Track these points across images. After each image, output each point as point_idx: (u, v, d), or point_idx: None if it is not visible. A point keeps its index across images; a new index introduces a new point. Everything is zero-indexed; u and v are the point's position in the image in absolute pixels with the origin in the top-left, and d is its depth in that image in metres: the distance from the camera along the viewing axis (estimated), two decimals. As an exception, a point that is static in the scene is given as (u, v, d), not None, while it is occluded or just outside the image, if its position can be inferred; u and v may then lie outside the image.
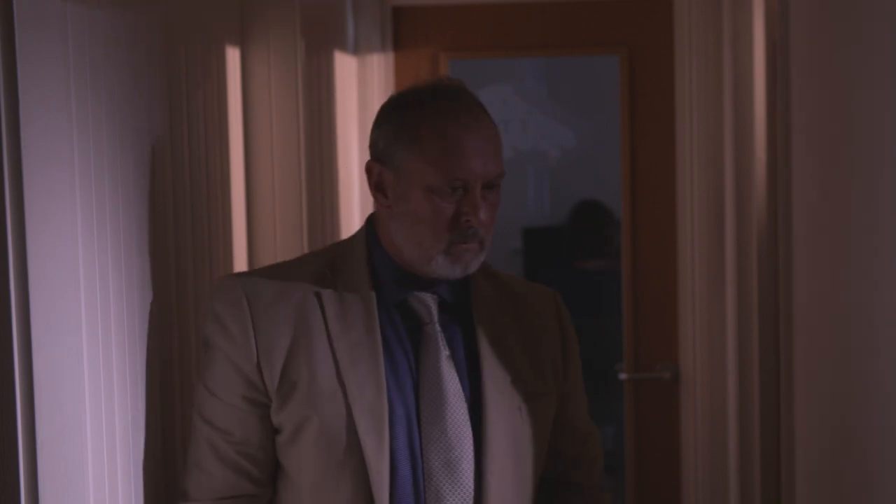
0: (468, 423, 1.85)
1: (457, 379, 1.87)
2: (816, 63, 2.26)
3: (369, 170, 1.89)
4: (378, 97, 3.69)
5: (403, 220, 1.84)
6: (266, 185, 2.90)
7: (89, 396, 1.72)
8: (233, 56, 2.76)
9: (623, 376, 3.73)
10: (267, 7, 2.86)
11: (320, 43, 3.27)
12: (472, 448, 1.85)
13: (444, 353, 1.87)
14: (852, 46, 2.16)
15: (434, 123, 1.82)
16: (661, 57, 3.68)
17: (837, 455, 2.23)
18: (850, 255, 2.20)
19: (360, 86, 3.68)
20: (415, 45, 3.76)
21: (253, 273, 1.94)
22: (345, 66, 3.55)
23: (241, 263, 2.81)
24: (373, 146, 1.90)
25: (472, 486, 1.84)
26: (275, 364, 1.84)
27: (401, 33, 3.75)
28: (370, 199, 3.71)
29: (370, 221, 1.96)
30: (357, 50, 3.67)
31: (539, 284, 2.10)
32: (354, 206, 3.63)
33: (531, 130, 4.28)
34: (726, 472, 3.49)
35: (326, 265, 1.91)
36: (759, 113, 3.27)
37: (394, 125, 1.86)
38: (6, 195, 1.46)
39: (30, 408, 1.50)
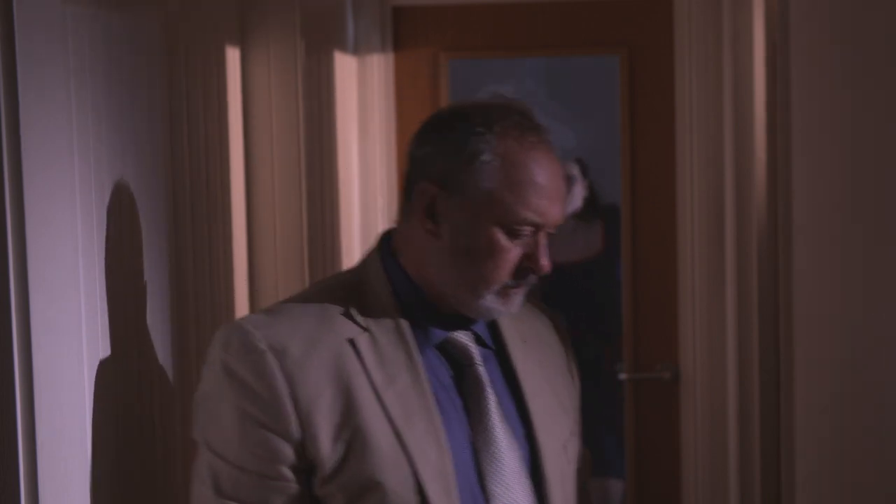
0: (526, 475, 1.68)
1: (507, 426, 1.68)
2: (817, 63, 2.26)
3: (422, 192, 1.65)
4: (378, 97, 3.69)
5: (456, 253, 1.63)
6: (266, 186, 2.90)
7: (89, 397, 1.72)
8: (233, 56, 2.76)
9: (623, 376, 3.73)
10: (267, 7, 2.86)
11: (320, 43, 3.27)
12: (533, 501, 1.68)
13: (493, 398, 1.68)
14: (852, 46, 2.16)
15: (519, 157, 1.62)
16: (661, 57, 3.68)
17: (837, 455, 2.23)
18: (850, 255, 2.20)
19: (360, 86, 3.68)
20: (415, 45, 3.76)
21: (265, 318, 1.64)
22: (345, 67, 3.55)
23: (240, 263, 2.81)
24: (423, 162, 1.67)
25: None
26: (318, 427, 1.56)
27: (401, 33, 3.75)
28: (370, 200, 3.73)
29: (386, 243, 1.74)
30: (357, 50, 3.67)
31: (541, 306, 1.94)
32: (354, 206, 3.63)
33: (531, 130, 4.27)
34: (726, 472, 3.49)
35: (347, 301, 1.66)
36: (759, 113, 3.27)
37: (460, 146, 1.63)
38: (6, 196, 1.46)
39: (30, 409, 1.50)
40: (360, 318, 1.64)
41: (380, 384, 1.60)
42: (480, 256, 1.62)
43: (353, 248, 3.60)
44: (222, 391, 1.61)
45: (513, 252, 1.63)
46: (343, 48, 3.55)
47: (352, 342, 1.61)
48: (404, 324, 1.65)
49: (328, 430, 1.57)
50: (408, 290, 1.68)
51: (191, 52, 2.38)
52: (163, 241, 2.16)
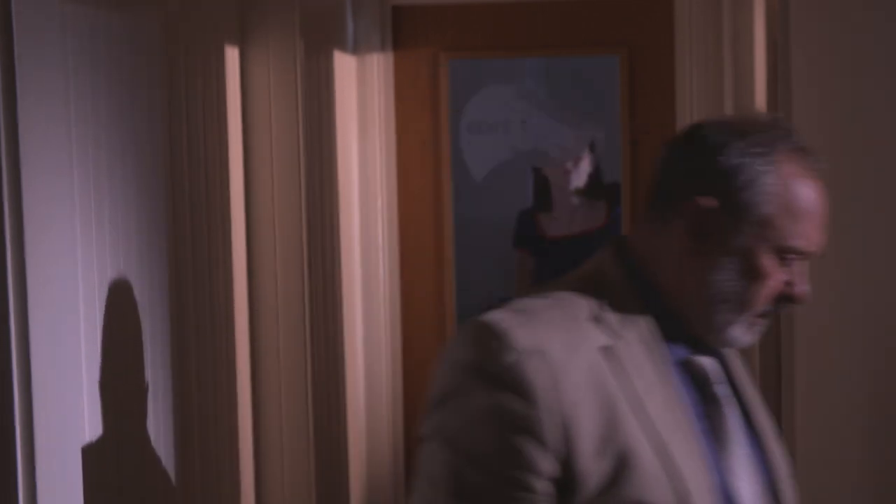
0: (770, 502, 1.60)
1: (747, 451, 1.60)
2: (817, 63, 2.26)
3: (694, 209, 1.55)
4: (378, 97, 3.69)
5: (720, 274, 1.55)
6: (266, 186, 2.89)
7: (88, 403, 1.72)
8: (232, 56, 2.76)
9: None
10: (267, 7, 2.86)
11: (320, 43, 3.27)
12: None
13: (736, 422, 1.59)
14: (852, 46, 2.16)
15: (800, 184, 1.56)
16: (661, 57, 3.68)
17: (837, 454, 2.23)
18: (850, 255, 2.20)
19: (360, 86, 3.67)
20: (415, 44, 3.75)
21: (516, 317, 1.52)
22: (344, 66, 3.54)
23: (239, 262, 2.80)
24: (689, 176, 1.58)
25: None
26: (580, 439, 1.44)
27: (401, 33, 3.75)
28: (370, 200, 3.73)
29: (624, 252, 1.62)
30: (357, 50, 3.66)
31: None
32: (354, 206, 3.62)
33: (531, 130, 4.28)
34: (727, 473, 3.49)
35: (592, 306, 1.55)
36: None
37: (739, 165, 1.55)
38: (4, 195, 1.45)
39: (28, 416, 1.50)
40: (606, 325, 1.53)
41: (639, 397, 1.49)
42: (746, 280, 1.55)
43: (353, 248, 3.59)
44: (472, 391, 1.47)
45: (777, 278, 1.56)
46: (343, 48, 3.54)
47: (607, 350, 1.51)
48: (654, 336, 1.56)
49: (590, 444, 1.45)
50: (654, 302, 1.58)
51: (191, 52, 2.37)
52: (162, 241, 2.16)
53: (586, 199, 4.19)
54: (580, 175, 4.20)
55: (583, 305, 1.54)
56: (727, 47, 3.38)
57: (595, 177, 4.21)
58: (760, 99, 3.26)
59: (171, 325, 2.23)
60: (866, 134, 2.16)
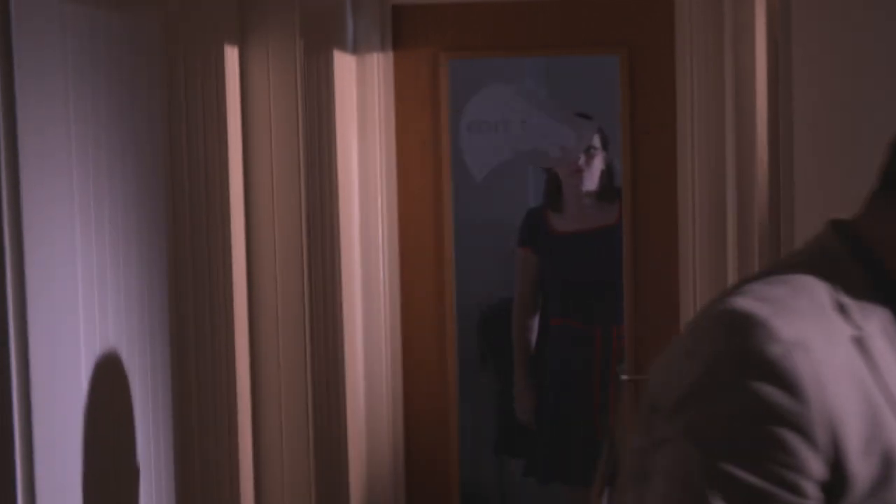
0: None
1: None
2: (818, 62, 2.26)
3: None
4: (378, 97, 3.69)
5: None
6: (265, 186, 2.89)
7: (87, 404, 1.71)
8: (232, 56, 2.76)
9: (625, 377, 3.72)
10: (267, 7, 2.86)
11: (320, 42, 3.26)
12: None
13: None
14: (854, 45, 2.16)
15: None
16: (661, 57, 3.68)
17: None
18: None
19: (360, 85, 3.67)
20: (415, 44, 3.75)
21: (769, 307, 1.41)
22: (344, 66, 3.54)
23: (240, 264, 2.80)
24: None
25: None
26: (847, 438, 1.35)
27: (401, 33, 3.75)
28: (370, 200, 3.72)
29: (849, 238, 1.52)
30: (357, 49, 3.66)
31: None
32: (354, 206, 3.62)
33: (531, 130, 4.28)
34: (727, 473, 3.49)
35: (832, 294, 1.45)
36: (761, 113, 3.26)
37: None
38: (4, 201, 1.45)
39: (27, 417, 1.50)
40: (854, 316, 1.42)
41: (892, 393, 1.39)
42: None
43: (353, 248, 3.59)
44: (731, 385, 1.37)
45: None
46: (343, 48, 3.54)
47: (859, 342, 1.40)
48: (894, 329, 1.45)
49: (858, 443, 1.35)
50: (888, 293, 1.47)
51: (191, 52, 2.37)
52: (162, 241, 2.15)
53: (597, 201, 4.20)
54: (592, 175, 4.19)
55: (822, 293, 1.44)
56: (728, 46, 3.38)
57: (608, 177, 4.20)
58: (762, 98, 3.26)
59: (170, 325, 2.23)
60: (868, 133, 2.16)
